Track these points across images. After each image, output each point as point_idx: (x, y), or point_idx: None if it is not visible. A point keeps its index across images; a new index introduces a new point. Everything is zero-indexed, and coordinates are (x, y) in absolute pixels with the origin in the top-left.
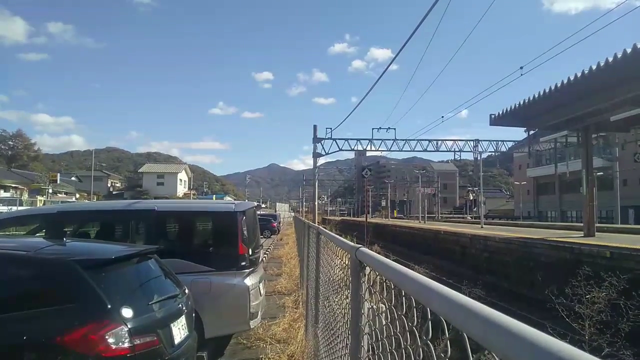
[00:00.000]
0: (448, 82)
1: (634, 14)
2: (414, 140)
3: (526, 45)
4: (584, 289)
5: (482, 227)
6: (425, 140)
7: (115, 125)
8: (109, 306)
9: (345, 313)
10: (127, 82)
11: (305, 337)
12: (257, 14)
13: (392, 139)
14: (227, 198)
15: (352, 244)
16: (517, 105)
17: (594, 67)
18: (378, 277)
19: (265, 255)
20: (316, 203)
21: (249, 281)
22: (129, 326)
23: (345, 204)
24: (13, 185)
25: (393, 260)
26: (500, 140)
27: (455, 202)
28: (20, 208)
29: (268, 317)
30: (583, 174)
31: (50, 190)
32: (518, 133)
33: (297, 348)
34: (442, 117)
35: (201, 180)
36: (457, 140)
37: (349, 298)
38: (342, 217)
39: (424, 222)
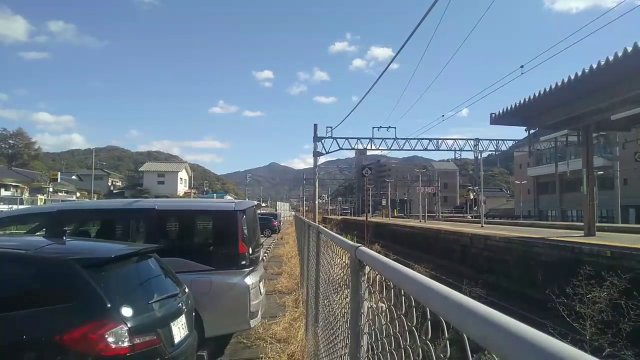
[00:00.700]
0: (448, 81)
1: (634, 13)
2: (414, 139)
3: (527, 44)
4: (584, 289)
5: (482, 226)
6: (426, 139)
7: (116, 124)
8: (109, 305)
9: (345, 312)
10: (128, 81)
11: (305, 337)
12: (258, 13)
13: (393, 138)
14: (228, 197)
15: (351, 242)
16: (517, 104)
17: (594, 66)
18: (377, 276)
19: (266, 254)
20: (316, 202)
21: (249, 280)
22: (129, 325)
23: (345, 202)
24: (13, 184)
25: (393, 260)
26: (501, 139)
27: (456, 201)
28: (20, 207)
29: (268, 316)
30: (583, 173)
31: (51, 189)
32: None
33: (297, 347)
34: (443, 116)
35: (202, 179)
36: (457, 139)
37: (349, 297)
38: (343, 216)
39: (425, 221)
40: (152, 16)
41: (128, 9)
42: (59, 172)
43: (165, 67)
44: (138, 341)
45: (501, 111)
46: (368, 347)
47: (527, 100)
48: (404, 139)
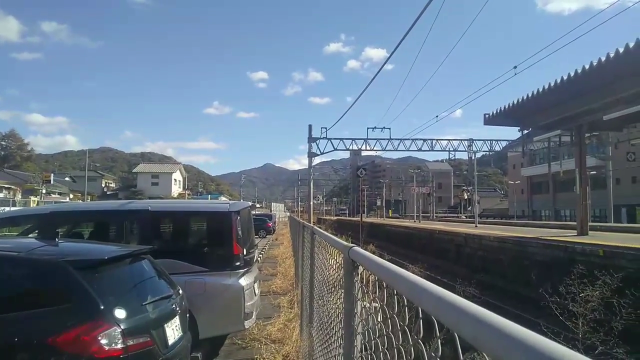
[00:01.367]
0: (442, 82)
1: (626, 14)
2: (408, 139)
3: (520, 45)
4: (577, 288)
5: (476, 226)
6: (420, 139)
7: (110, 125)
8: (102, 307)
9: (339, 313)
10: (122, 82)
11: (300, 337)
12: (252, 14)
13: (387, 139)
14: (222, 198)
15: (345, 243)
16: (510, 105)
17: (586, 67)
18: (371, 276)
19: (261, 255)
20: (311, 203)
21: (243, 281)
22: (122, 327)
23: (340, 203)
24: (6, 185)
25: (388, 260)
26: (495, 140)
27: (450, 202)
28: (13, 209)
29: (263, 317)
30: (576, 173)
31: (44, 191)
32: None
33: (292, 348)
34: (437, 116)
35: (196, 180)
36: (451, 139)
37: (343, 298)
38: (338, 217)
39: (419, 222)
40: (146, 16)
41: (122, 10)
42: (52, 174)
43: (159, 68)
44: (131, 343)
45: (495, 112)
46: (362, 347)
47: (520, 100)
48: (398, 139)
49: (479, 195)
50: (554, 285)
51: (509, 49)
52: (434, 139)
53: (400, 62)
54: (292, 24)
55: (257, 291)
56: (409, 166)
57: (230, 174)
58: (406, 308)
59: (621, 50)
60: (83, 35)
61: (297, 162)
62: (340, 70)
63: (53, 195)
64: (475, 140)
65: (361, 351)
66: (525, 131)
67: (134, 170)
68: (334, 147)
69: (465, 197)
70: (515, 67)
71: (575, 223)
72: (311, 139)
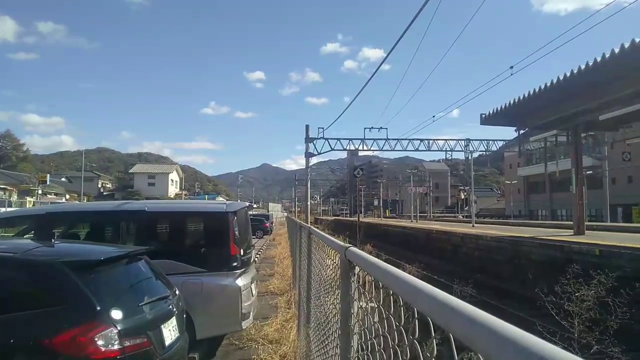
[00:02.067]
0: (439, 82)
1: (622, 15)
2: (405, 139)
3: (516, 45)
4: (573, 287)
5: (473, 225)
6: (417, 139)
7: (107, 125)
8: (98, 308)
9: (336, 313)
10: (119, 82)
11: (297, 338)
12: (249, 14)
13: (384, 139)
14: (219, 198)
15: (341, 243)
16: (507, 105)
17: (582, 67)
18: (367, 276)
19: (258, 256)
20: (309, 203)
21: (240, 282)
22: (119, 328)
23: (338, 203)
24: (1, 186)
25: (385, 260)
26: (491, 140)
27: (447, 201)
28: (8, 209)
29: (260, 317)
30: (573, 172)
31: (40, 191)
32: (508, 132)
33: (289, 348)
34: (434, 116)
35: (193, 180)
36: (448, 139)
37: (339, 298)
38: (335, 217)
39: (416, 222)
40: (143, 17)
41: (118, 10)
42: (48, 174)
43: (156, 68)
44: (128, 344)
45: (491, 112)
46: (358, 347)
47: (516, 100)
48: (395, 139)
49: (476, 195)
50: (550, 284)
51: (506, 49)
52: (431, 139)
53: (397, 62)
54: (289, 24)
55: (254, 292)
56: (406, 166)
57: (228, 174)
58: (402, 308)
59: (617, 50)
60: (80, 36)
61: (294, 162)
62: (338, 71)
63: (49, 196)
64: (472, 140)
65: (358, 351)
66: (522, 131)
67: (130, 171)
68: (331, 147)
69: (462, 197)
70: (511, 67)
71: (571, 223)
72: (308, 139)
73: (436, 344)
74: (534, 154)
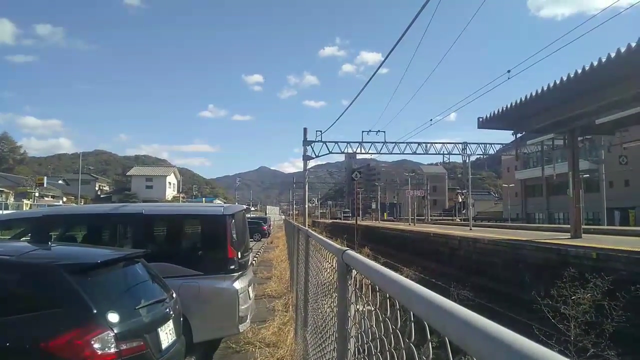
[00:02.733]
0: (437, 86)
1: (618, 20)
2: (403, 143)
3: (513, 49)
4: (569, 290)
5: (470, 229)
6: (415, 143)
7: (104, 128)
8: (95, 311)
9: (333, 316)
10: (117, 85)
11: (294, 341)
12: (247, 17)
13: (382, 142)
14: (217, 201)
15: (338, 246)
16: (504, 109)
17: (579, 71)
18: (364, 279)
19: (256, 259)
20: (307, 206)
21: (237, 285)
22: (115, 331)
23: (335, 206)
24: None
25: (382, 263)
26: (489, 143)
27: (445, 205)
28: (5, 212)
29: (257, 320)
30: (570, 176)
31: (37, 194)
32: (506, 136)
33: (287, 352)
34: (431, 120)
35: (190, 183)
36: (446, 143)
37: (337, 301)
38: (333, 220)
39: (414, 225)
40: (141, 20)
41: (117, 13)
42: (45, 177)
43: (154, 71)
44: (125, 347)
45: (489, 115)
46: (355, 350)
47: (513, 104)
48: (393, 142)
49: (473, 198)
50: (547, 288)
51: (503, 54)
52: (429, 142)
53: (395, 66)
54: (288, 27)
55: (251, 295)
56: (404, 169)
57: (225, 177)
58: (399, 311)
59: (613, 54)
60: (78, 38)
61: (292, 165)
62: (336, 74)
63: (46, 199)
64: (469, 143)
65: (354, 354)
66: (519, 134)
67: (128, 174)
68: (329, 150)
69: (460, 200)
70: (509, 71)
71: (568, 226)
72: (306, 142)
73: (432, 348)
74: (531, 157)
